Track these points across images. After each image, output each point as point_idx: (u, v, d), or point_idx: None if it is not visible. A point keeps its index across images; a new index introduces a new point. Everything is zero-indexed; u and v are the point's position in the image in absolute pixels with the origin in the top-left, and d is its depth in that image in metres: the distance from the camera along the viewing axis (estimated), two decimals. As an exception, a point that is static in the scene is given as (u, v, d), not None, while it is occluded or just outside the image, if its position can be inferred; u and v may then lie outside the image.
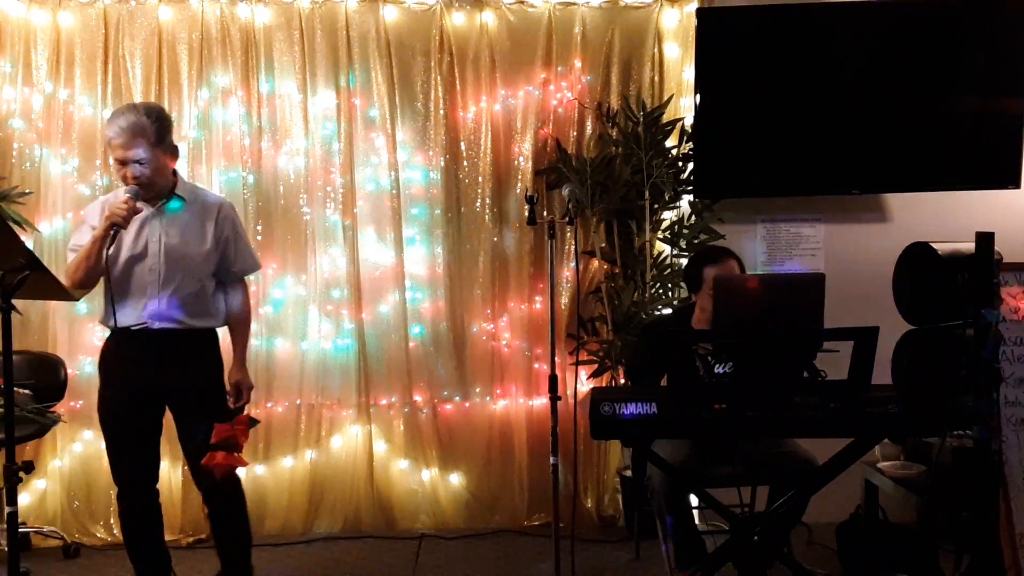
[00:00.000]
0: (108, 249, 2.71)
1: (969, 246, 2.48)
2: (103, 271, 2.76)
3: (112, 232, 2.69)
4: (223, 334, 3.05)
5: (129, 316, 2.79)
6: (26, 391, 3.51)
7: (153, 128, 2.74)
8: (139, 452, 2.91)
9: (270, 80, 3.97)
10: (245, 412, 2.97)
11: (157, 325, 2.80)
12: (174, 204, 2.86)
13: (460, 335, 4.10)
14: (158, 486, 3.00)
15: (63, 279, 2.70)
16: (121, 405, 2.86)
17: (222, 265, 2.95)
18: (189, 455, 2.95)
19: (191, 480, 3.83)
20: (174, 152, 2.88)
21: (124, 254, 2.81)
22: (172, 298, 2.80)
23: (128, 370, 2.83)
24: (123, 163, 2.73)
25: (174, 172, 2.90)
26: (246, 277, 3.08)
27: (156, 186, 2.81)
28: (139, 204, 2.76)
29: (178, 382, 2.85)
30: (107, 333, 2.91)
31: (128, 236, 2.80)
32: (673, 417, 2.54)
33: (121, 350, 2.85)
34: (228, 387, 2.98)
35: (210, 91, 3.93)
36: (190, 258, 2.85)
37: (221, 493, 2.93)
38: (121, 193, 2.78)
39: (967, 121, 3.76)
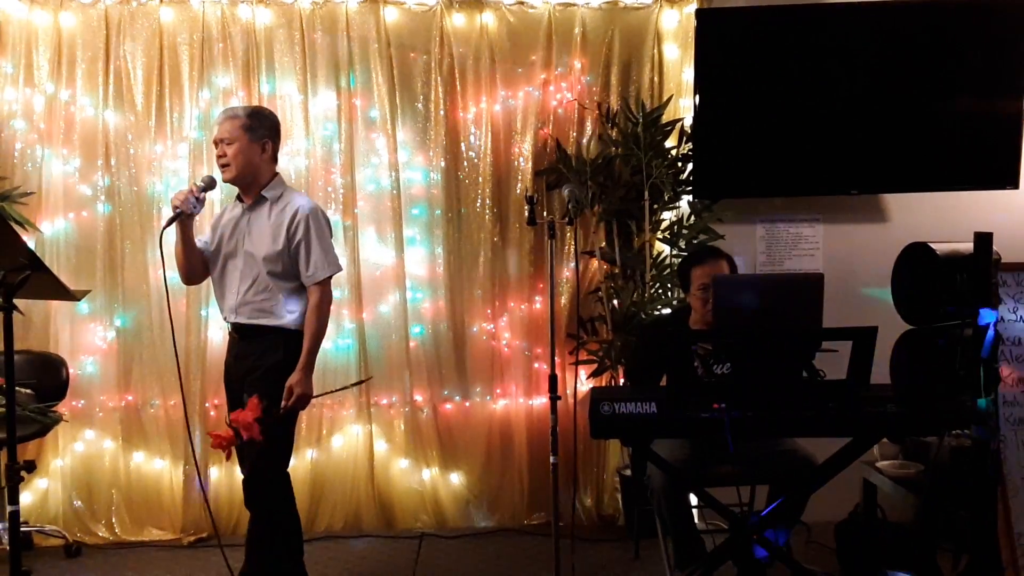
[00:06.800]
0: (168, 233, 2.89)
1: (967, 246, 2.50)
2: (198, 261, 3.03)
3: (174, 216, 2.85)
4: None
5: (223, 310, 3.04)
6: (28, 390, 3.52)
7: (245, 114, 2.95)
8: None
9: (271, 81, 3.97)
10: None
11: (232, 319, 2.99)
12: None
13: (460, 335, 4.11)
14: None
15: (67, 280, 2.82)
16: (226, 395, 3.09)
17: (294, 268, 2.95)
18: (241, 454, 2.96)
19: (192, 479, 3.87)
20: (267, 150, 2.99)
21: (223, 250, 3.01)
22: (245, 296, 2.94)
23: (225, 361, 3.08)
24: (216, 144, 2.95)
25: (275, 175, 3.01)
26: (319, 283, 2.97)
27: (240, 173, 2.93)
28: (236, 203, 3.01)
29: (246, 378, 2.94)
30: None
31: (226, 234, 2.99)
32: (672, 417, 2.56)
33: (227, 342, 3.10)
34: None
35: (211, 92, 3.94)
36: (259, 258, 2.92)
37: (254, 493, 2.95)
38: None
39: (965, 121, 3.76)
